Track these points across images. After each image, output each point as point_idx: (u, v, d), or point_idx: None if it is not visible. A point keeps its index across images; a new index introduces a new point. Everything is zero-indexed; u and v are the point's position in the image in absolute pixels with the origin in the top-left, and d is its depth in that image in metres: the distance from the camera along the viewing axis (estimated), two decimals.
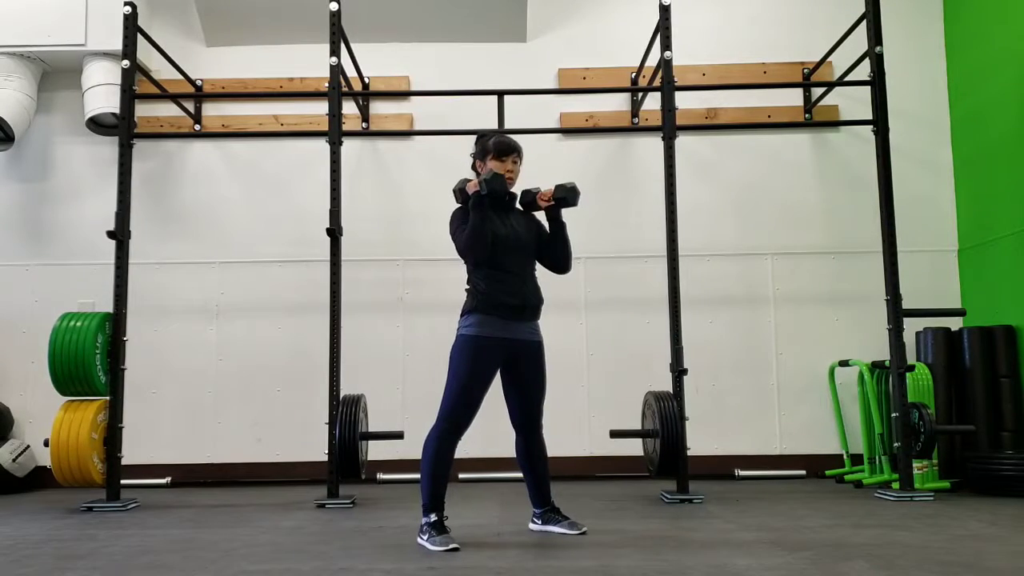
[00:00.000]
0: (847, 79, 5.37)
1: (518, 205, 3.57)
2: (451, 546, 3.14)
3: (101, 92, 5.52)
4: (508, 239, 3.40)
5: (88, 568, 2.95)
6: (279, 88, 5.85)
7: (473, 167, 3.56)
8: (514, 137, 3.58)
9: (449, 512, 3.34)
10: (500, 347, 3.34)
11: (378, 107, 5.90)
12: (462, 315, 3.40)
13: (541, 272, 3.57)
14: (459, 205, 3.50)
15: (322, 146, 4.78)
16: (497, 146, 3.46)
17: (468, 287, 3.44)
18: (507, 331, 3.35)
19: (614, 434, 4.67)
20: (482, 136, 3.60)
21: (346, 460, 4.44)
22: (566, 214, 3.53)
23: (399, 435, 4.67)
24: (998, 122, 5.27)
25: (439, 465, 3.28)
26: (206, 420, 5.59)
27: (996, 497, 4.50)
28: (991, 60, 5.36)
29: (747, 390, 5.60)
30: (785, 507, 4.21)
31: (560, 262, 3.56)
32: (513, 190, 3.52)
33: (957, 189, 5.75)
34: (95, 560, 3.09)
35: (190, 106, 5.79)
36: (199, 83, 5.80)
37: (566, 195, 3.47)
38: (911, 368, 4.59)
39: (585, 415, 5.52)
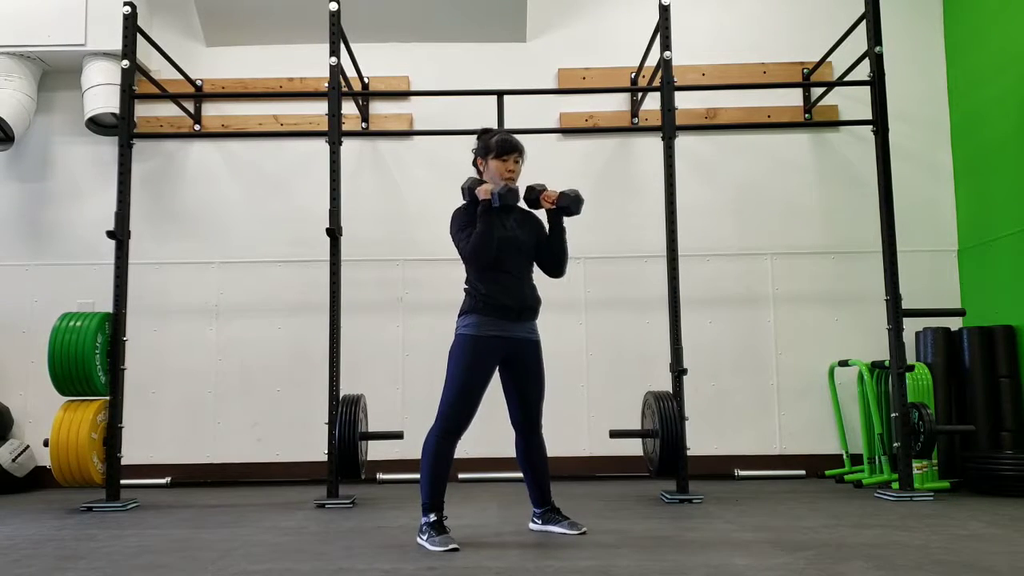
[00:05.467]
0: (847, 79, 5.37)
1: (521, 202, 3.50)
2: (451, 546, 3.14)
3: (101, 92, 5.52)
4: (508, 241, 3.40)
5: (88, 568, 2.95)
6: (279, 88, 5.85)
7: (474, 163, 3.54)
8: (515, 137, 3.57)
9: (449, 512, 3.35)
10: (498, 345, 3.35)
11: (378, 107, 5.90)
12: (460, 315, 3.41)
13: (539, 273, 3.57)
14: (461, 205, 3.48)
15: (322, 146, 4.78)
16: (499, 145, 3.43)
17: (467, 287, 3.45)
18: (505, 330, 3.35)
19: (614, 434, 4.68)
20: (485, 132, 3.58)
21: (346, 460, 4.44)
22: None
23: (399, 435, 4.67)
24: (998, 123, 5.27)
25: (439, 465, 3.28)
26: (206, 420, 5.59)
27: (996, 497, 4.50)
28: (991, 61, 5.36)
29: (747, 390, 5.60)
30: (785, 507, 4.21)
31: (555, 266, 3.54)
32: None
33: (957, 189, 5.75)
34: (95, 560, 3.09)
35: (190, 106, 5.79)
36: (199, 83, 5.80)
37: (569, 204, 3.43)
38: (911, 368, 4.59)
39: (585, 415, 5.52)
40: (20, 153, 5.83)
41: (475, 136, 3.60)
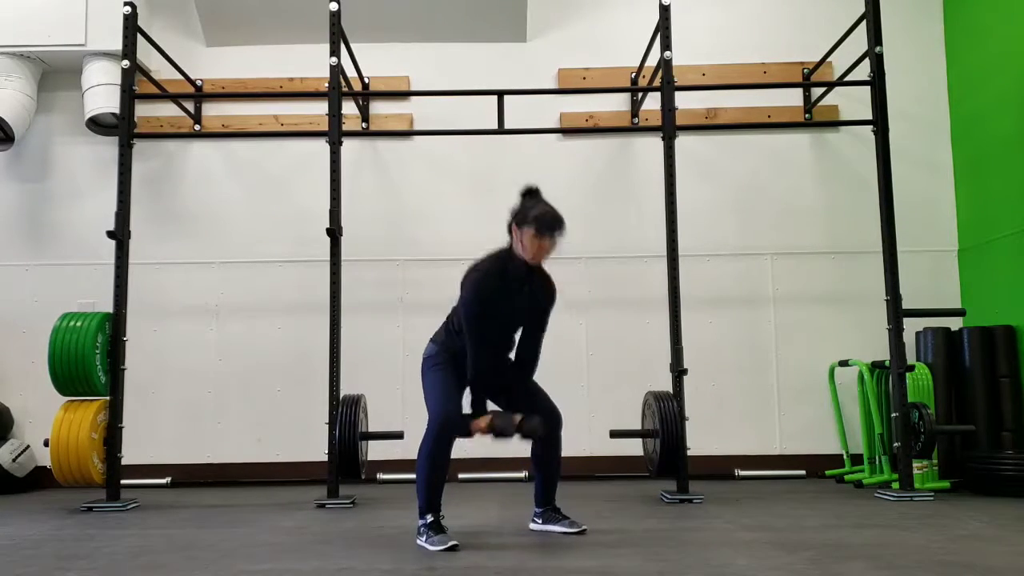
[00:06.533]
0: (847, 79, 5.37)
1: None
2: (450, 544, 3.14)
3: (101, 92, 5.51)
4: (506, 319, 3.36)
5: (88, 568, 2.95)
6: (279, 88, 5.84)
7: (509, 226, 3.33)
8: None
9: (449, 512, 3.35)
10: (463, 364, 3.36)
11: (378, 107, 5.90)
12: (430, 341, 3.46)
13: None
14: (478, 266, 3.32)
15: (322, 146, 4.78)
16: (540, 221, 3.20)
17: (448, 318, 3.47)
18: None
19: (614, 434, 4.68)
20: (529, 193, 3.36)
21: (346, 460, 4.44)
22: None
23: (399, 435, 4.67)
24: (998, 122, 5.27)
25: (434, 467, 3.27)
26: (206, 420, 5.59)
27: (996, 497, 4.50)
28: (991, 61, 5.36)
29: (747, 390, 5.60)
30: (785, 507, 4.21)
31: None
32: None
33: (957, 189, 5.75)
34: (95, 560, 3.09)
35: (190, 106, 5.79)
36: (199, 83, 5.79)
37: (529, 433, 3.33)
38: (911, 368, 4.59)
39: (585, 415, 5.51)
40: (20, 153, 5.83)
41: (519, 195, 3.38)
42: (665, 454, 4.34)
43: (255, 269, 5.71)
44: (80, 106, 5.65)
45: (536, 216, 3.22)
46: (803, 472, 5.46)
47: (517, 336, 3.46)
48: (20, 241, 5.77)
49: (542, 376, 3.53)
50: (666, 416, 4.35)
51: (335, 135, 4.71)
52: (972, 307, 5.40)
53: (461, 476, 5.31)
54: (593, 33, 5.94)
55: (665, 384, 4.60)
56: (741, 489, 4.96)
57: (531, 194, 3.37)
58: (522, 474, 5.34)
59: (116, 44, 4.91)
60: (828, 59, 5.59)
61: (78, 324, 4.45)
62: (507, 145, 5.57)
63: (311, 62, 5.70)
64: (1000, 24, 5.27)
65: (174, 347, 5.63)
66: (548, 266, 3.51)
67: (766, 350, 5.64)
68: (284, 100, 5.85)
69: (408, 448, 4.86)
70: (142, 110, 5.70)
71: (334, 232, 4.62)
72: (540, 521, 3.57)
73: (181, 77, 5.59)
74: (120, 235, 4.61)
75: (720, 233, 5.72)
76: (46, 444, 4.41)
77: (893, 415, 4.58)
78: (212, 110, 5.89)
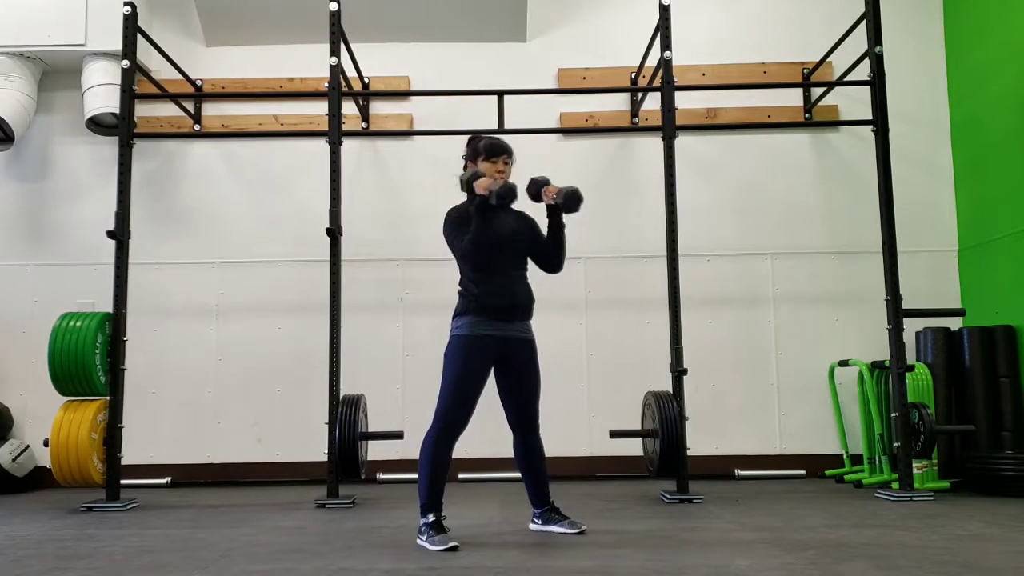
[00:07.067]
0: (847, 79, 5.37)
1: (523, 194, 3.46)
2: (450, 544, 3.14)
3: (101, 92, 5.52)
4: (502, 241, 3.41)
5: (88, 568, 2.95)
6: (279, 88, 5.85)
7: (464, 169, 3.57)
8: (512, 137, 3.60)
9: (449, 512, 3.35)
10: (492, 345, 3.36)
11: (378, 107, 5.90)
12: (454, 316, 3.44)
13: (542, 271, 3.58)
14: (454, 206, 3.50)
15: (322, 146, 4.78)
16: (488, 148, 3.47)
17: (460, 289, 3.46)
18: (498, 329, 3.37)
19: (614, 434, 4.68)
20: (473, 138, 3.62)
21: (346, 460, 4.44)
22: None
23: (399, 435, 4.67)
24: (998, 122, 5.27)
25: (437, 466, 3.28)
26: (206, 420, 5.59)
27: (996, 497, 4.50)
28: (991, 61, 5.36)
29: (747, 390, 5.60)
30: (785, 507, 4.21)
31: (552, 263, 3.57)
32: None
33: (957, 189, 5.75)
34: (95, 560, 3.09)
35: (190, 106, 5.79)
36: (199, 83, 5.79)
37: (568, 202, 3.37)
38: (911, 368, 4.59)
39: (585, 415, 5.52)
40: (20, 153, 5.83)
41: (465, 142, 3.62)
42: (665, 454, 4.34)
43: (255, 269, 5.71)
44: (80, 106, 5.65)
45: (484, 146, 3.49)
46: (803, 472, 5.46)
47: (520, 267, 3.50)
48: (20, 241, 5.77)
49: (543, 377, 3.52)
50: (666, 416, 4.35)
51: (335, 135, 4.71)
52: (972, 307, 5.40)
53: (461, 476, 5.31)
54: (593, 33, 5.94)
55: (665, 384, 4.60)
56: (741, 489, 4.96)
57: (474, 137, 3.61)
58: (520, 474, 5.33)
59: (116, 44, 4.92)
60: (828, 59, 5.59)
61: (78, 324, 4.45)
62: None
63: (311, 62, 5.70)
64: (1000, 24, 5.27)
65: (174, 347, 5.63)
66: None
67: (766, 350, 5.64)
68: (284, 100, 5.85)
69: (408, 448, 4.88)
70: (142, 110, 5.70)
71: (334, 232, 4.62)
72: (540, 521, 3.57)
73: (181, 77, 5.59)
74: (120, 235, 4.61)
75: (720, 233, 5.72)
76: (46, 444, 4.41)
77: (893, 415, 4.58)
78: (212, 110, 5.89)
